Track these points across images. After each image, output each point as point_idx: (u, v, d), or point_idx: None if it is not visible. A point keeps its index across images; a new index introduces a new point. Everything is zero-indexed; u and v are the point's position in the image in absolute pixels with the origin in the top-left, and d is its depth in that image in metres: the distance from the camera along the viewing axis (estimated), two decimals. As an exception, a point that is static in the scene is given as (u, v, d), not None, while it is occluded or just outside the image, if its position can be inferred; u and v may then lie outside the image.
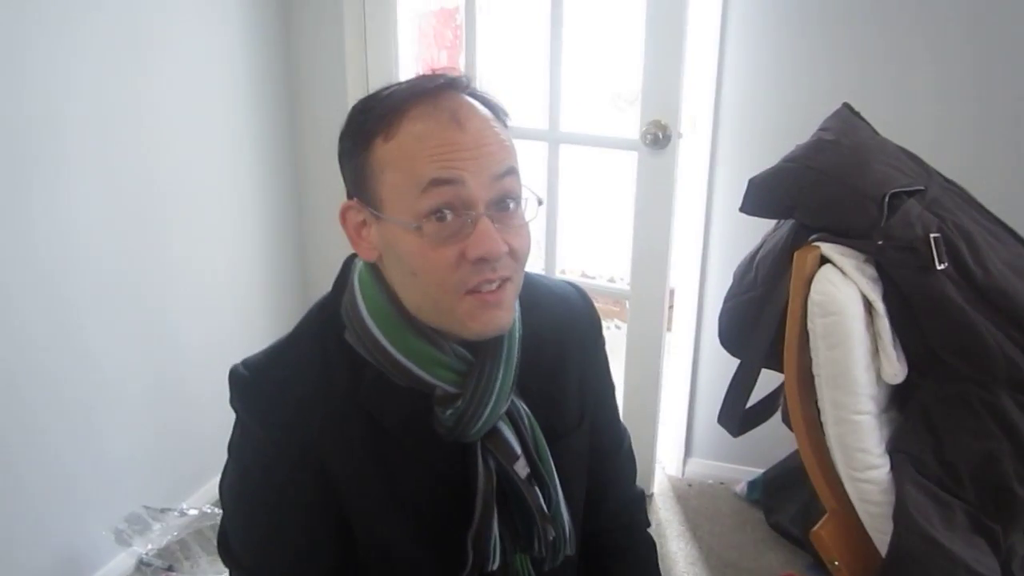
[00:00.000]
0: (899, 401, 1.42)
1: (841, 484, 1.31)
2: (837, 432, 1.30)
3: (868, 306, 1.32)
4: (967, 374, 1.31)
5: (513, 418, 0.94)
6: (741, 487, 2.40)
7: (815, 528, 1.26)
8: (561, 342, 1.02)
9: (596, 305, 1.10)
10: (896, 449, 1.33)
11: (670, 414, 2.51)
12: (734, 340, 1.55)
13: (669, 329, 2.41)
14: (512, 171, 0.86)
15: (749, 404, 1.63)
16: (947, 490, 1.28)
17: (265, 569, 0.93)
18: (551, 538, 0.95)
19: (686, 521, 2.32)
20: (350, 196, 0.90)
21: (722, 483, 2.47)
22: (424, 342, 0.88)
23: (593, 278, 3.43)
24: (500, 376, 0.90)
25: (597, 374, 1.09)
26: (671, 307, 2.41)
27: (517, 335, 0.93)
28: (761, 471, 2.36)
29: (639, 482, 1.19)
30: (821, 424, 1.32)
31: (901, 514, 1.25)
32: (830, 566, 1.27)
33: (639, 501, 1.19)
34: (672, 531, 2.28)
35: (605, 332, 1.12)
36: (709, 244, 2.34)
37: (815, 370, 1.30)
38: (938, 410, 1.33)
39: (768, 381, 1.55)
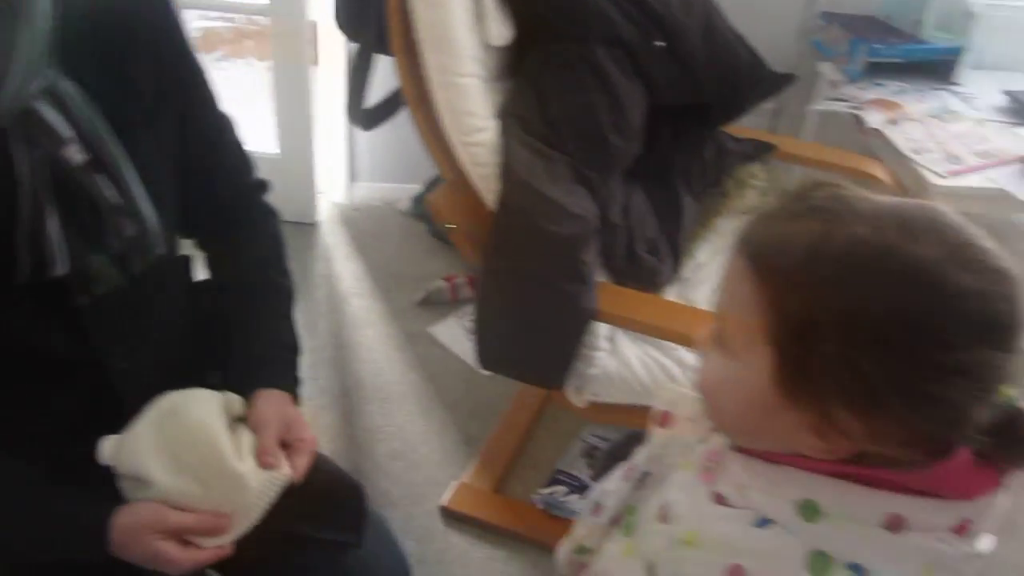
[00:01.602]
0: (511, 72, 1.42)
1: (453, 152, 1.31)
2: (445, 97, 1.27)
3: (468, -35, 1.26)
4: (567, 32, 1.34)
5: (58, 98, 0.80)
6: (405, 204, 2.43)
7: (427, 195, 1.26)
8: (126, 26, 0.88)
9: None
10: (505, 113, 1.34)
11: (329, 144, 2.41)
12: (351, 20, 1.45)
13: (315, 63, 2.24)
14: None
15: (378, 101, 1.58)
16: (551, 145, 1.32)
17: None
18: (130, 235, 0.86)
19: (353, 242, 2.31)
20: None
21: (388, 203, 2.48)
22: None
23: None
24: (22, 38, 0.75)
25: (179, 61, 0.96)
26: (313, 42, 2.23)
27: None
28: (422, 186, 2.39)
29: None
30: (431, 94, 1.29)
31: (507, 171, 1.28)
32: (447, 231, 1.29)
33: (257, 188, 1.11)
34: (339, 253, 2.27)
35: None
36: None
37: (416, 35, 1.25)
38: (544, 72, 1.35)
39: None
